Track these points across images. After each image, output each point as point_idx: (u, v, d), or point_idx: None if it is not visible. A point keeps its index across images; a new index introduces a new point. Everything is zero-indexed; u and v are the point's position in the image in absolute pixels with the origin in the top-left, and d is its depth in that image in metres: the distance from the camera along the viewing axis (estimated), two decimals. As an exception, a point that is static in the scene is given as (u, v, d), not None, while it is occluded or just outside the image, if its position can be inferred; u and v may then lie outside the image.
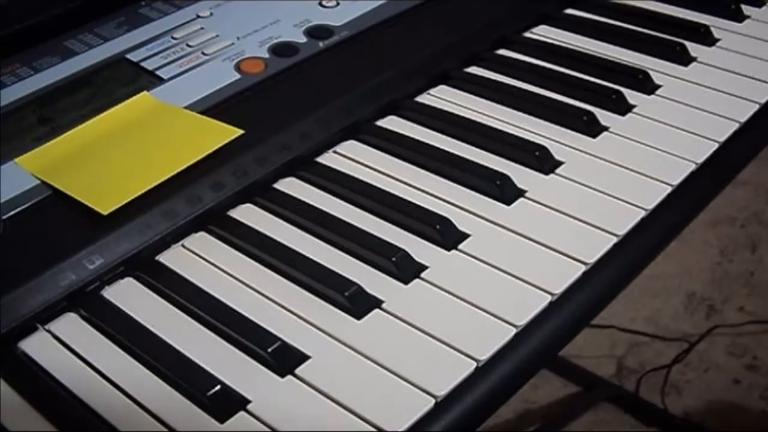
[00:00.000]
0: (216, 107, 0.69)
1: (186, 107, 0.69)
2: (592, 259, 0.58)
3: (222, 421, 0.49)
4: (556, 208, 0.62)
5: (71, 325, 0.56)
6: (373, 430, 0.48)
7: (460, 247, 0.59)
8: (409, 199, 0.63)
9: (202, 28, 0.77)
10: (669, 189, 0.64)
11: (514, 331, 0.53)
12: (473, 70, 0.78)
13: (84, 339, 0.54)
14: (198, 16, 0.79)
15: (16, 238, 0.58)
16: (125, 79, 0.72)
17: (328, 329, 0.54)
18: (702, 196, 0.67)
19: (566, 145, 0.68)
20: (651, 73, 0.76)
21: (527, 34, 0.83)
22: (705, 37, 0.81)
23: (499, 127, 0.70)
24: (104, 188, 0.61)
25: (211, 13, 0.79)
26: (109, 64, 0.73)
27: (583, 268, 0.58)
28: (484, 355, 0.52)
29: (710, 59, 0.78)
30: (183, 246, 0.61)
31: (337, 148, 0.69)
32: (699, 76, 0.76)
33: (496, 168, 0.65)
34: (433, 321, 0.54)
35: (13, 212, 0.60)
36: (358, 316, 0.55)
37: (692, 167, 0.66)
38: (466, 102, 0.74)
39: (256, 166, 0.65)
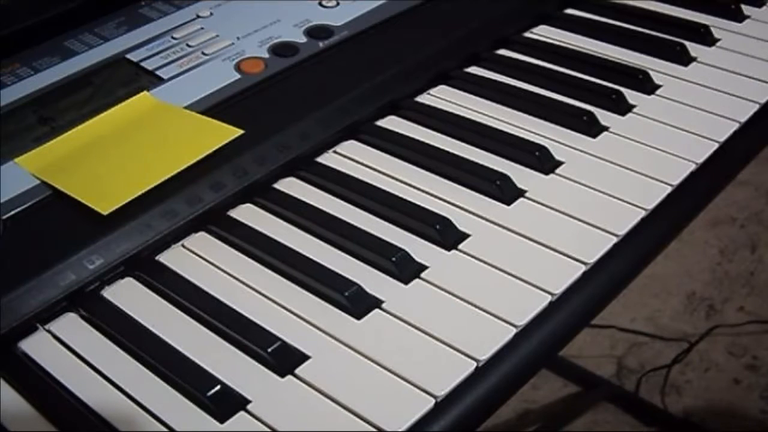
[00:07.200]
0: (216, 107, 0.69)
1: (186, 107, 0.69)
2: (592, 259, 0.58)
3: (222, 421, 0.49)
4: (556, 208, 0.62)
5: (71, 325, 0.56)
6: (373, 430, 0.48)
7: (460, 247, 0.59)
8: (409, 199, 0.63)
9: (202, 28, 0.77)
10: (669, 189, 0.64)
11: (514, 331, 0.53)
12: (473, 70, 0.78)
13: (84, 339, 0.54)
14: (198, 16, 0.79)
15: (16, 238, 0.58)
16: (125, 79, 0.72)
17: (328, 329, 0.54)
18: (702, 196, 0.67)
19: (566, 145, 0.68)
20: (651, 73, 0.76)
21: (527, 34, 0.83)
22: (705, 37, 0.81)
23: (499, 127, 0.70)
24: (104, 188, 0.61)
25: (211, 13, 0.79)
26: (109, 64, 0.73)
27: (583, 268, 0.58)
28: (484, 355, 0.52)
29: (710, 59, 0.78)
30: (183, 246, 0.61)
31: (337, 148, 0.69)
32: (699, 76, 0.76)
33: (496, 168, 0.65)
34: (433, 321, 0.54)
35: (13, 212, 0.60)
36: (358, 316, 0.55)
37: (692, 167, 0.66)
38: (466, 102, 0.74)
39: (256, 166, 0.65)
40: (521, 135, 0.69)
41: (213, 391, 0.50)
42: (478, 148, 0.69)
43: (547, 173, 0.66)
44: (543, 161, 0.66)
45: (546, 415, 1.50)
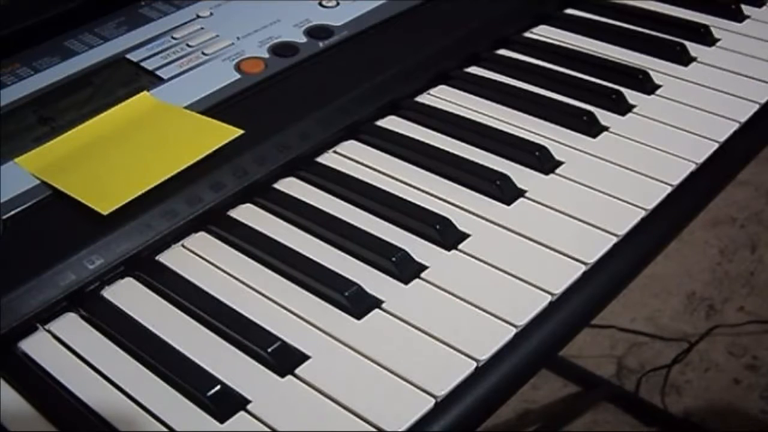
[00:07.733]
0: (216, 107, 0.69)
1: (186, 107, 0.69)
2: (592, 259, 0.58)
3: (222, 421, 0.49)
4: (556, 208, 0.62)
5: (71, 325, 0.56)
6: (373, 430, 0.48)
7: (460, 247, 0.59)
8: (409, 199, 0.63)
9: (202, 28, 0.77)
10: (669, 189, 0.64)
11: (514, 331, 0.53)
12: (473, 70, 0.78)
13: (84, 339, 0.54)
14: (198, 16, 0.79)
15: (16, 238, 0.58)
16: (125, 79, 0.72)
17: (328, 329, 0.54)
18: (702, 196, 0.67)
19: (566, 145, 0.68)
20: (651, 73, 0.76)
21: (527, 34, 0.83)
22: (705, 37, 0.81)
23: (499, 127, 0.70)
24: (104, 188, 0.61)
25: (211, 13, 0.79)
26: (109, 64, 0.73)
27: (583, 268, 0.58)
28: (484, 355, 0.52)
29: (710, 59, 0.78)
30: (183, 246, 0.61)
31: (337, 148, 0.69)
32: (699, 76, 0.76)
33: (496, 168, 0.65)
34: (433, 321, 0.54)
35: (13, 212, 0.60)
36: (358, 316, 0.55)
37: (692, 167, 0.66)
38: (466, 102, 0.74)
39: (256, 166, 0.65)
40: (521, 135, 0.69)
41: (213, 391, 0.50)
42: (478, 148, 0.69)
43: (547, 173, 0.66)
44: (543, 161, 0.66)
45: (546, 415, 1.50)
